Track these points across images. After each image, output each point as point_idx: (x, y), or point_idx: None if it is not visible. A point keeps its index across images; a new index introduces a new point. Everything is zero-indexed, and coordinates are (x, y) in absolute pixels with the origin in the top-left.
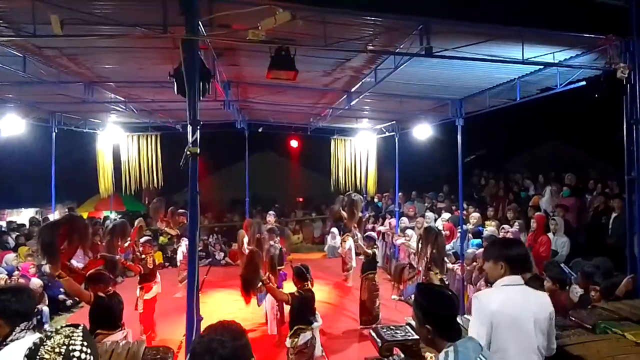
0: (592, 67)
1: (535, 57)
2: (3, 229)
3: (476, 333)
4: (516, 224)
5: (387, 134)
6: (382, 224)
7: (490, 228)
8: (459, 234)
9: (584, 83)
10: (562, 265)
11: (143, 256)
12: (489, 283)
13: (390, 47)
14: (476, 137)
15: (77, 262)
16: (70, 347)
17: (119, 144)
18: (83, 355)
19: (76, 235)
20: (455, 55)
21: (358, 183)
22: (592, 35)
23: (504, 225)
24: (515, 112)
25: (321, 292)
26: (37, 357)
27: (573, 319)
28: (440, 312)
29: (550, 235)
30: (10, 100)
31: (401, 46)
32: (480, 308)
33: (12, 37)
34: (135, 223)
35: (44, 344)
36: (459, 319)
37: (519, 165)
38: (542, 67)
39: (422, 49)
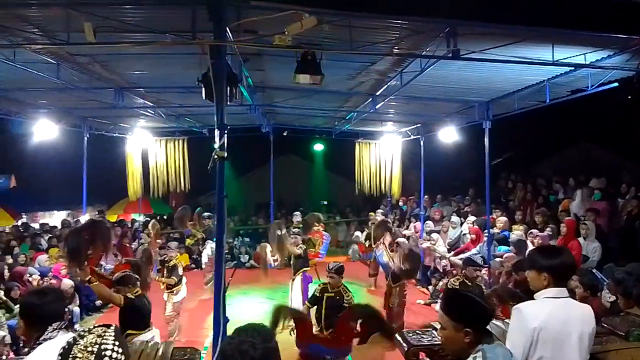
0: (625, 68)
1: (565, 58)
2: (36, 231)
3: (511, 345)
4: (548, 228)
5: (413, 137)
6: (407, 228)
7: (517, 232)
8: (485, 238)
9: (616, 84)
10: (594, 271)
11: (171, 263)
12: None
13: (416, 50)
14: (503, 140)
15: (107, 263)
16: (102, 347)
17: (147, 148)
18: (115, 355)
19: (100, 239)
20: (483, 58)
21: (383, 186)
22: (625, 36)
23: (532, 230)
24: (544, 114)
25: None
26: (70, 356)
27: (605, 325)
28: (479, 315)
29: (580, 240)
30: (44, 107)
31: (427, 49)
32: (521, 322)
33: (47, 45)
34: (149, 227)
35: (77, 343)
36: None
37: (548, 168)
38: (572, 68)
39: (449, 52)
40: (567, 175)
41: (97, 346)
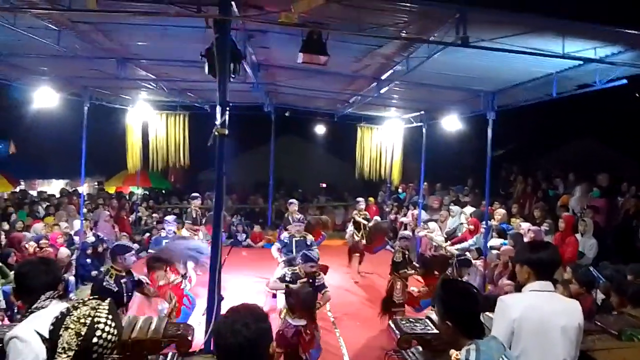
0: (636, 65)
1: (575, 51)
2: (34, 199)
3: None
4: (545, 223)
5: (415, 124)
6: (405, 215)
7: (525, 225)
8: (482, 230)
9: (625, 81)
10: (591, 268)
11: None
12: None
13: (424, 35)
14: (506, 131)
15: (104, 235)
16: (95, 319)
17: (148, 121)
18: (107, 328)
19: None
20: (492, 47)
21: (383, 172)
22: (638, 32)
23: (521, 224)
24: (549, 107)
25: (342, 279)
26: (63, 326)
27: (598, 323)
28: (462, 309)
29: (578, 236)
30: (45, 74)
31: (436, 34)
32: (502, 313)
33: (48, 10)
34: None
35: (70, 314)
36: (480, 317)
37: (549, 162)
38: (581, 62)
39: (458, 39)
40: (568, 170)
41: (89, 318)
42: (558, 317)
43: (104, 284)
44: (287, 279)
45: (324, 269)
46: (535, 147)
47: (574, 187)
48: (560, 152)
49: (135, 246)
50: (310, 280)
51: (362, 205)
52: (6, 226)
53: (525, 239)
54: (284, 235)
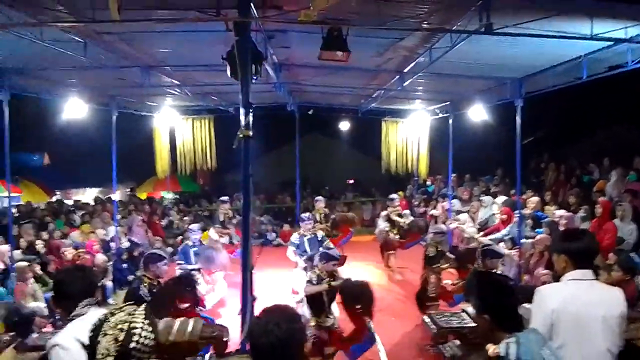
0: None
1: (604, 32)
2: (70, 208)
3: (535, 327)
4: (581, 210)
5: (441, 115)
6: (435, 208)
7: (558, 212)
8: (516, 219)
9: None
10: (632, 254)
11: None
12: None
13: (446, 24)
14: (535, 118)
15: (138, 240)
16: (132, 324)
17: (174, 126)
18: (144, 333)
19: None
20: (517, 32)
21: (409, 166)
22: None
23: (555, 211)
24: (579, 91)
25: (373, 274)
26: (101, 332)
27: None
28: (498, 302)
29: (616, 221)
30: (74, 85)
31: (458, 23)
32: (540, 304)
33: (72, 23)
34: None
35: (108, 320)
36: (518, 309)
37: (582, 147)
38: (612, 43)
39: (482, 26)
40: (603, 155)
41: (127, 324)
42: (598, 307)
43: (140, 292)
44: (314, 282)
45: (342, 259)
46: (565, 132)
47: (610, 172)
48: (594, 137)
49: (169, 249)
50: (332, 280)
51: (397, 203)
52: (45, 235)
53: (560, 227)
54: (294, 237)
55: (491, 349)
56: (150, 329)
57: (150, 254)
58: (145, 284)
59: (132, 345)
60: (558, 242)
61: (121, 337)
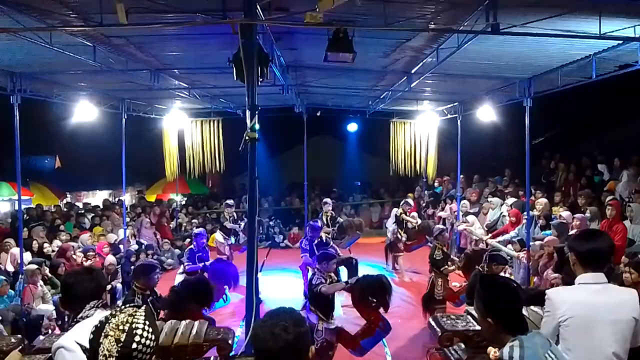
0: None
1: (613, 31)
2: (80, 210)
3: (544, 331)
4: (588, 211)
5: (449, 116)
6: (443, 209)
7: (565, 214)
8: (524, 221)
9: None
10: None
11: None
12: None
13: (453, 24)
14: (545, 118)
15: (147, 242)
16: (133, 325)
17: (183, 129)
18: (145, 334)
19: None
20: (525, 32)
21: (418, 167)
22: None
23: (562, 212)
24: (588, 90)
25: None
26: (103, 333)
27: None
28: (503, 306)
29: (626, 222)
30: (83, 89)
31: (465, 23)
32: (548, 308)
33: (81, 27)
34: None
35: (109, 321)
36: (524, 311)
37: (593, 148)
38: (621, 42)
39: (488, 26)
40: (613, 155)
41: (128, 324)
42: (609, 311)
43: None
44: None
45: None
46: (576, 133)
47: (621, 172)
48: (603, 137)
49: (177, 252)
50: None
51: (411, 205)
52: (58, 242)
53: (572, 230)
54: (304, 242)
55: (491, 353)
56: (151, 329)
57: (142, 265)
58: (139, 295)
59: (134, 346)
60: (570, 242)
61: (123, 337)
